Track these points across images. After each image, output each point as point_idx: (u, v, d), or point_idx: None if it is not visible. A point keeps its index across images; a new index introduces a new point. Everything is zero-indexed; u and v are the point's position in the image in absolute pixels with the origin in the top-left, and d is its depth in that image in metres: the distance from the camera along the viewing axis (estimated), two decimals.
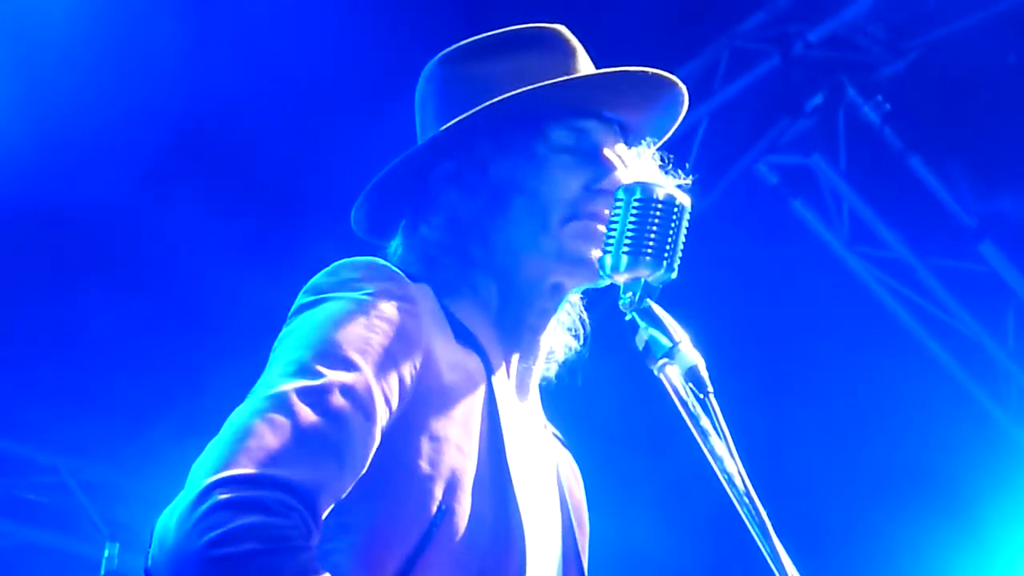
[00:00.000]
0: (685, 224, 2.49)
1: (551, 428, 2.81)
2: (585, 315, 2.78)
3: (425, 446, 2.37)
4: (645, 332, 2.45)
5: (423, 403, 2.39)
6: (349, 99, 6.87)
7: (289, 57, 6.51)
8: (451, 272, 2.63)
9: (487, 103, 2.59)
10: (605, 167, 2.63)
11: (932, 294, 8.28)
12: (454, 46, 2.77)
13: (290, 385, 2.23)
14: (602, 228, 2.52)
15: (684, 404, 2.38)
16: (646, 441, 7.76)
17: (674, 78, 2.73)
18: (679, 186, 2.61)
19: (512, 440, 2.49)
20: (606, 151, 2.66)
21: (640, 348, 2.46)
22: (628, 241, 2.45)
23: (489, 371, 2.52)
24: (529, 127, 2.65)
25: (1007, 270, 8.10)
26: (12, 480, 8.98)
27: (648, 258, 2.45)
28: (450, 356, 2.46)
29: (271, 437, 2.15)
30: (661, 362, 2.42)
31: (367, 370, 2.29)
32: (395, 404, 2.33)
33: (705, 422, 2.36)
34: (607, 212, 2.52)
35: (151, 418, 8.23)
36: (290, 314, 2.43)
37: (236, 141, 6.83)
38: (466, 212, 2.65)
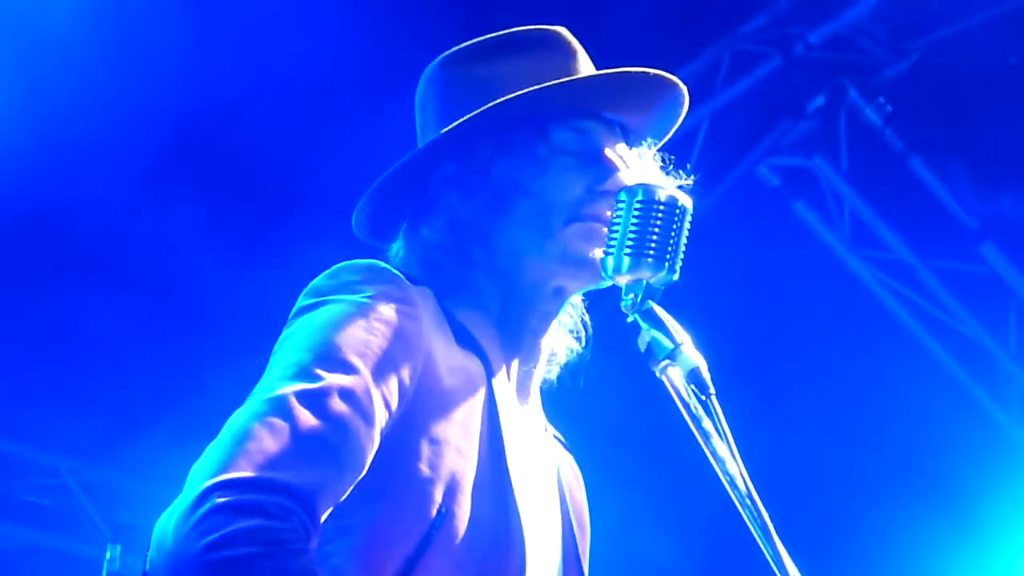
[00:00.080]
0: (687, 226, 2.49)
1: (552, 430, 2.81)
2: (587, 317, 2.78)
3: (425, 449, 2.37)
4: (647, 334, 2.45)
5: (423, 406, 2.38)
6: (349, 99, 6.87)
7: (289, 57, 6.51)
8: (452, 275, 2.63)
9: (488, 105, 2.59)
10: (607, 168, 2.63)
11: (933, 295, 8.28)
12: (454, 48, 2.77)
13: (289, 388, 2.22)
14: (605, 229, 2.52)
15: (686, 406, 2.38)
16: (647, 443, 7.76)
17: (675, 79, 2.72)
18: (680, 187, 2.61)
19: (512, 443, 2.49)
20: (608, 152, 2.66)
21: (642, 350, 2.45)
22: (630, 243, 2.45)
23: (490, 374, 2.52)
24: (531, 128, 2.65)
25: (1008, 271, 8.10)
26: (13, 482, 8.98)
27: (650, 260, 2.45)
28: (450, 359, 2.46)
29: (270, 440, 2.14)
30: (663, 364, 2.42)
31: (366, 373, 2.29)
32: (395, 407, 2.33)
33: (707, 424, 2.36)
34: (609, 213, 2.52)
35: (152, 419, 8.23)
36: (290, 316, 2.43)
37: (236, 141, 6.83)
38: (467, 214, 2.64)
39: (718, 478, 2.33)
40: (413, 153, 2.67)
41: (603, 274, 2.51)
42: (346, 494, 2.24)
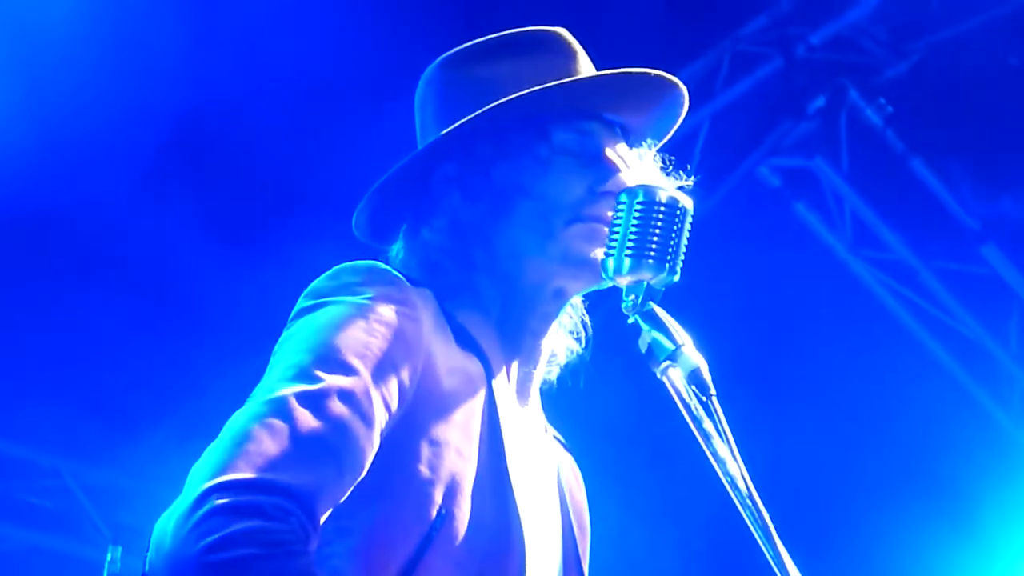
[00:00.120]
0: (688, 227, 2.49)
1: (552, 431, 2.81)
2: (587, 317, 2.78)
3: (425, 450, 2.37)
4: (648, 335, 2.45)
5: (423, 407, 2.38)
6: (348, 99, 6.87)
7: (287, 58, 6.51)
8: (453, 276, 2.63)
9: (490, 105, 2.59)
10: (608, 169, 2.63)
11: (935, 297, 8.27)
12: (454, 49, 2.77)
13: (289, 390, 2.22)
14: (606, 230, 2.52)
15: (687, 407, 2.37)
16: (648, 444, 7.76)
17: (675, 79, 2.72)
18: (681, 188, 2.60)
19: (512, 444, 2.49)
20: (609, 153, 2.66)
21: (643, 351, 2.45)
22: (631, 244, 2.45)
23: (490, 375, 2.52)
24: (532, 129, 2.65)
25: (1010, 272, 8.10)
26: (14, 483, 8.98)
27: (651, 261, 2.45)
28: (450, 360, 2.46)
29: (269, 442, 2.14)
30: (664, 365, 2.41)
31: (366, 375, 2.29)
32: (394, 408, 2.33)
33: (708, 425, 2.36)
34: (610, 214, 2.52)
35: (153, 421, 8.23)
36: (290, 318, 2.43)
37: (234, 141, 6.83)
38: (468, 215, 2.64)
39: (719, 479, 2.33)
40: (413, 154, 2.67)
41: (604, 275, 2.51)
42: (346, 495, 2.23)
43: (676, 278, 2.48)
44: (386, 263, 2.55)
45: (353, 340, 2.32)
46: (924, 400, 8.55)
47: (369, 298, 2.39)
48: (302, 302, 2.44)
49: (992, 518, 8.66)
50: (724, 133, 7.57)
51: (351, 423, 2.23)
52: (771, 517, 2.29)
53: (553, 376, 2.75)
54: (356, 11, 6.36)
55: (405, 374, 2.35)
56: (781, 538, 2.28)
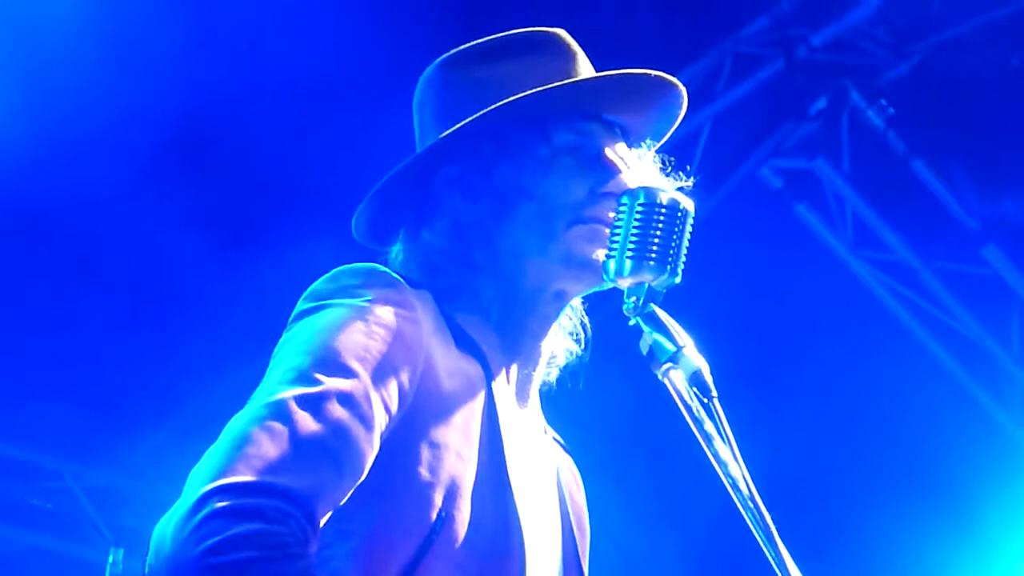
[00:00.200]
0: (689, 228, 2.49)
1: (552, 432, 2.81)
2: (586, 319, 2.78)
3: (425, 453, 2.37)
4: (649, 336, 2.44)
5: (423, 410, 2.38)
6: (345, 100, 6.86)
7: (284, 58, 6.50)
8: (453, 278, 2.63)
9: (490, 107, 2.59)
10: (609, 170, 2.63)
11: (936, 297, 8.27)
12: (453, 51, 2.77)
13: (289, 393, 2.22)
14: (607, 231, 2.52)
15: (688, 408, 2.37)
16: (648, 445, 7.75)
17: (674, 80, 2.73)
18: (681, 189, 2.60)
19: (512, 446, 2.49)
20: (609, 153, 2.66)
21: (644, 353, 2.45)
22: (632, 245, 2.45)
23: (489, 377, 2.52)
24: (532, 130, 2.65)
25: (1011, 273, 8.10)
26: (17, 485, 8.99)
27: (652, 262, 2.45)
28: (450, 362, 2.46)
29: (269, 445, 2.14)
30: (665, 366, 2.41)
31: (366, 377, 2.28)
32: (394, 411, 2.33)
33: (709, 426, 2.35)
34: (612, 215, 2.52)
35: (155, 423, 8.24)
36: (290, 320, 2.43)
37: (234, 141, 6.83)
38: (470, 217, 2.64)
39: (720, 480, 2.33)
40: (413, 156, 2.67)
41: (605, 277, 2.50)
42: (346, 498, 2.23)
43: (677, 280, 2.48)
44: (385, 265, 2.56)
45: (353, 343, 2.31)
46: (925, 401, 8.54)
47: (368, 300, 2.39)
48: (301, 304, 2.44)
49: (993, 518, 8.66)
50: (725, 134, 7.57)
51: (351, 426, 2.23)
52: (772, 518, 2.29)
53: (552, 378, 2.75)
54: (354, 11, 6.35)
55: (405, 376, 2.35)
56: (782, 539, 2.28)
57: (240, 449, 2.13)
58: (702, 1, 7.16)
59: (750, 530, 2.30)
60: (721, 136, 7.57)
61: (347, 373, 2.27)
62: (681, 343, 2.42)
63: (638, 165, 2.71)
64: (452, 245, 2.65)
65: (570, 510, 2.72)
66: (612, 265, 2.47)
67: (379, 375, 2.30)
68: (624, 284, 2.48)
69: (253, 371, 2.42)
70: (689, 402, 2.37)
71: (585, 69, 2.73)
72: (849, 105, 7.36)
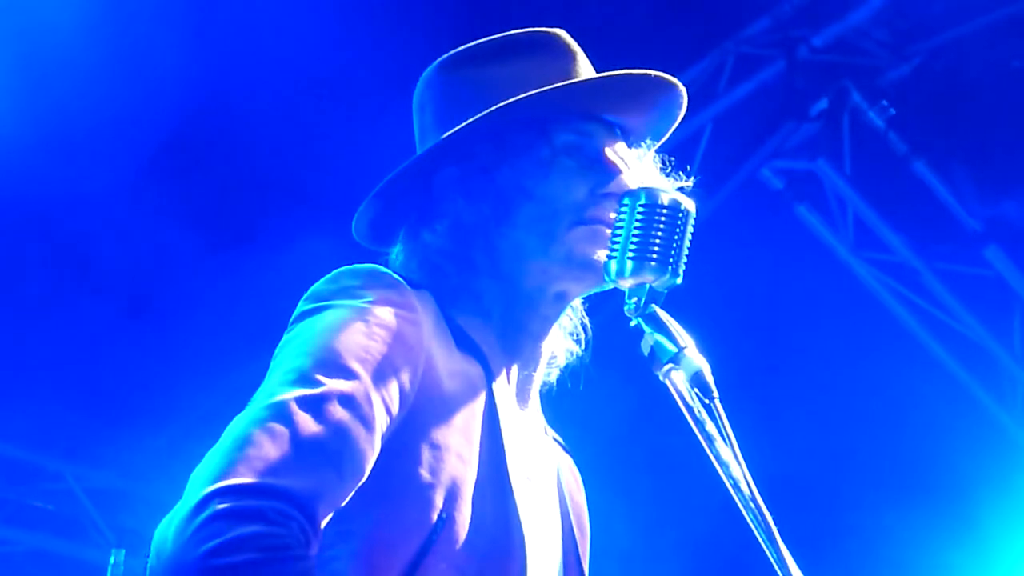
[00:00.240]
0: (690, 229, 2.49)
1: (552, 433, 2.81)
2: (587, 319, 2.78)
3: (425, 454, 2.37)
4: (650, 337, 2.45)
5: (424, 411, 2.38)
6: (344, 100, 6.86)
7: (285, 59, 6.50)
8: (453, 279, 2.63)
9: (491, 108, 2.59)
10: (609, 171, 2.64)
11: (937, 298, 8.27)
12: (453, 51, 2.77)
13: (290, 394, 2.22)
14: (608, 231, 2.52)
15: (689, 409, 2.37)
16: (648, 445, 7.76)
17: (674, 80, 2.73)
18: (681, 189, 2.61)
19: (512, 447, 2.49)
20: (610, 154, 2.66)
21: (645, 353, 2.45)
22: (633, 246, 2.45)
23: (490, 378, 2.52)
24: (533, 131, 2.65)
25: (1012, 274, 8.09)
26: (18, 487, 9.00)
27: (653, 263, 2.45)
28: (451, 364, 2.46)
29: (270, 446, 2.14)
30: (666, 367, 2.41)
31: (366, 379, 2.28)
32: (395, 412, 2.33)
33: (710, 427, 2.35)
34: (613, 216, 2.52)
35: (156, 425, 8.25)
36: (291, 321, 2.43)
37: (233, 141, 6.83)
38: (470, 218, 2.64)
39: (721, 481, 2.33)
40: (414, 158, 2.68)
41: (606, 278, 2.51)
42: (347, 499, 2.23)
43: (679, 280, 2.48)
44: (386, 266, 2.56)
45: (354, 344, 2.31)
46: (927, 401, 8.54)
47: (369, 302, 2.39)
48: (302, 305, 2.44)
49: (995, 519, 8.66)
50: (727, 135, 7.57)
51: (352, 427, 2.23)
52: (774, 519, 2.29)
53: (553, 379, 2.76)
54: (353, 12, 6.35)
55: (405, 377, 2.35)
56: (784, 539, 2.29)
57: (241, 451, 2.13)
58: (703, 2, 7.16)
59: (751, 530, 2.30)
60: (722, 137, 7.57)
61: (348, 374, 2.27)
62: (682, 344, 2.42)
63: (638, 165, 2.72)
64: (453, 246, 2.65)
65: (570, 510, 2.72)
66: (613, 266, 2.47)
67: (380, 376, 2.30)
68: (625, 285, 2.48)
69: (254, 372, 2.42)
70: (690, 403, 2.37)
71: (585, 69, 2.73)
72: (850, 106, 7.36)
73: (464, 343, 2.52)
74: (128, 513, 9.13)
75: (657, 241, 2.45)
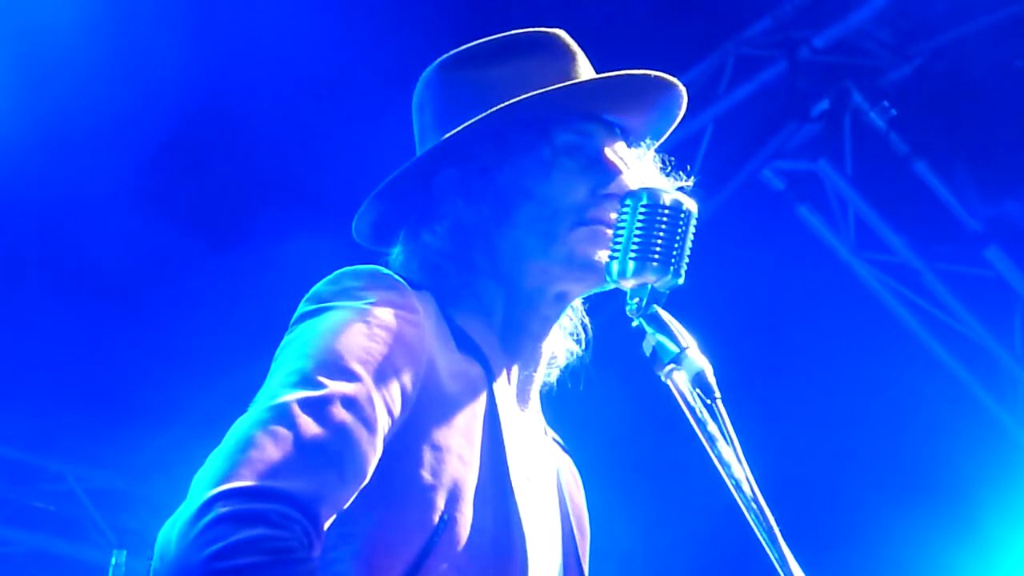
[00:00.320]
0: (692, 229, 2.49)
1: (551, 433, 2.81)
2: (587, 319, 2.78)
3: (427, 456, 2.37)
4: (652, 338, 2.45)
5: (425, 412, 2.38)
6: (343, 100, 6.86)
7: (283, 59, 6.50)
8: (454, 279, 2.63)
9: (491, 109, 2.59)
10: (610, 171, 2.64)
11: (938, 299, 8.26)
12: (453, 51, 2.77)
13: (292, 396, 2.22)
14: (610, 232, 2.52)
15: (691, 410, 2.37)
16: (648, 446, 7.76)
17: (674, 80, 2.73)
18: (681, 188, 2.61)
19: (513, 448, 2.49)
20: (611, 155, 2.66)
21: (647, 354, 2.45)
22: (635, 247, 2.45)
23: (490, 379, 2.52)
24: (533, 132, 2.65)
25: (1013, 275, 8.09)
26: (20, 488, 9.01)
27: (655, 263, 2.45)
28: (452, 365, 2.46)
29: (272, 449, 2.14)
30: (668, 368, 2.41)
31: (369, 380, 2.28)
32: (397, 414, 2.33)
33: (712, 428, 2.35)
34: (614, 216, 2.52)
35: (158, 426, 8.25)
36: (292, 322, 2.43)
37: (234, 143, 6.83)
38: (471, 219, 2.64)
39: (723, 481, 2.33)
40: (415, 159, 2.67)
41: (608, 278, 2.51)
42: (349, 502, 2.23)
43: (680, 281, 2.48)
44: (386, 266, 2.56)
45: (355, 345, 2.31)
46: (928, 402, 8.54)
47: (371, 303, 2.39)
48: (303, 307, 2.44)
49: (996, 519, 8.66)
50: (728, 136, 7.57)
51: (354, 429, 2.23)
52: (775, 519, 2.29)
53: (553, 379, 2.75)
54: (352, 12, 6.35)
55: (407, 379, 2.35)
56: (785, 539, 2.28)
57: (244, 453, 2.13)
58: (704, 3, 7.16)
59: (753, 530, 2.30)
60: (723, 138, 7.57)
61: (350, 376, 2.27)
62: (684, 344, 2.42)
63: (639, 165, 2.72)
64: (453, 247, 2.65)
65: (570, 511, 2.72)
66: (615, 266, 2.47)
67: (382, 378, 2.30)
68: (627, 285, 2.48)
69: (254, 372, 2.42)
70: (692, 403, 2.37)
71: (585, 70, 2.73)
72: (851, 106, 7.35)
73: (465, 344, 2.52)
74: (129, 514, 9.14)
75: (659, 241, 2.45)
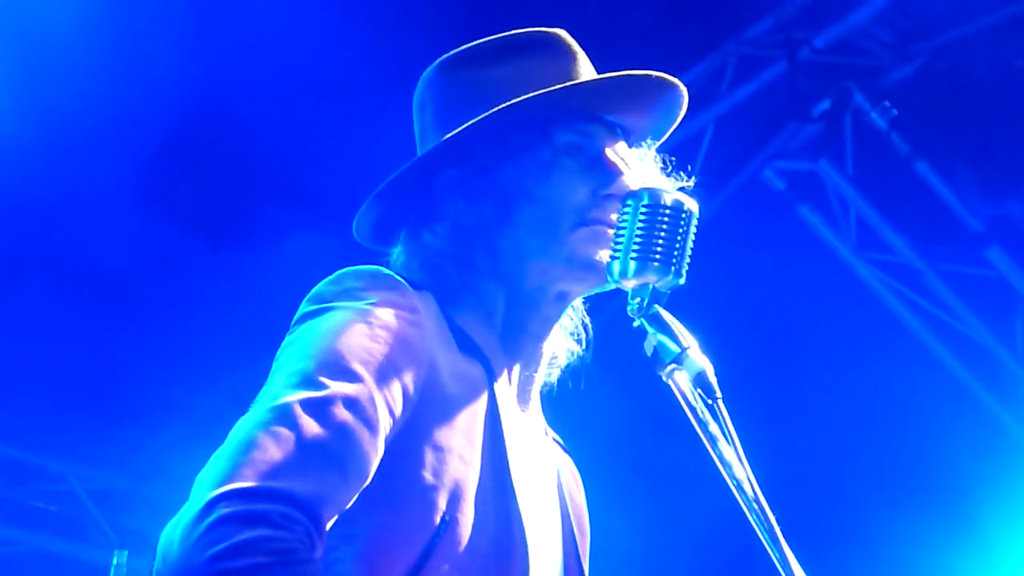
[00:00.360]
0: (693, 229, 2.49)
1: (552, 433, 2.81)
2: (587, 319, 2.77)
3: (428, 456, 2.37)
4: (653, 338, 2.45)
5: (426, 413, 2.38)
6: (342, 100, 6.86)
7: (282, 59, 6.49)
8: (455, 280, 2.63)
9: (492, 110, 2.58)
10: (611, 172, 2.63)
11: (940, 299, 8.26)
12: (453, 51, 2.76)
13: (293, 397, 2.22)
14: (611, 232, 2.52)
15: (693, 410, 2.37)
16: (648, 446, 7.76)
17: (675, 80, 2.72)
18: (682, 189, 2.60)
19: (514, 449, 2.49)
20: (611, 155, 2.66)
21: (648, 354, 2.45)
22: (636, 247, 2.45)
23: (491, 379, 2.52)
24: (534, 132, 2.65)
25: (1015, 275, 8.08)
26: (22, 488, 9.01)
27: (656, 264, 2.45)
28: (453, 365, 2.46)
29: (275, 449, 2.14)
30: (669, 368, 2.41)
31: (370, 381, 2.28)
32: (399, 414, 2.33)
33: (714, 428, 2.35)
34: (615, 217, 2.52)
35: (159, 426, 8.24)
36: (293, 323, 2.43)
37: (232, 143, 6.83)
38: (472, 219, 2.64)
39: (724, 481, 2.32)
40: (416, 159, 2.67)
41: (609, 278, 2.51)
42: (351, 502, 2.23)
43: (681, 281, 2.48)
44: (387, 266, 2.55)
45: (357, 346, 2.31)
46: (929, 402, 8.53)
47: (372, 303, 2.39)
48: (305, 307, 2.43)
49: (997, 519, 8.65)
50: (729, 136, 7.57)
51: (356, 430, 2.23)
52: (777, 519, 2.29)
53: (553, 379, 2.75)
54: (354, 11, 6.34)
55: (409, 380, 2.35)
56: (787, 540, 2.28)
57: (246, 454, 2.13)
58: (705, 3, 7.16)
59: (754, 531, 2.29)
60: (724, 138, 7.57)
61: (352, 377, 2.27)
62: (685, 344, 2.42)
63: (639, 166, 2.71)
64: (453, 247, 2.64)
65: (570, 511, 2.72)
66: (616, 266, 2.47)
67: (383, 379, 2.30)
68: (628, 285, 2.48)
69: (255, 372, 2.42)
70: (693, 403, 2.37)
71: (586, 69, 2.73)
72: (852, 106, 7.35)
73: (466, 344, 2.52)
74: (131, 514, 9.14)
75: (660, 241, 2.45)
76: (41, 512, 9.13)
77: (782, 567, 2.27)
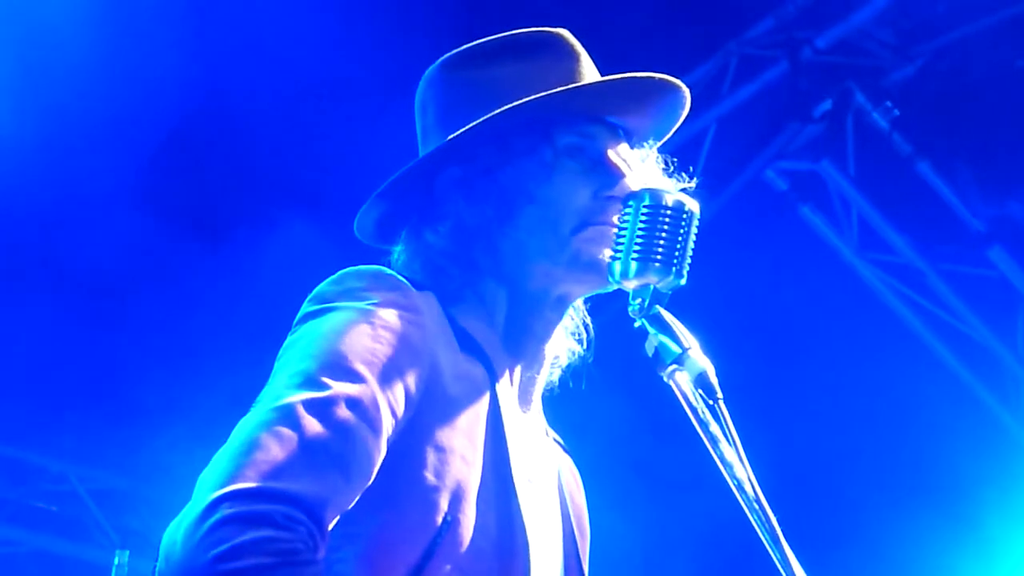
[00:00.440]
0: (694, 230, 2.49)
1: (552, 434, 2.81)
2: (588, 319, 2.77)
3: (430, 457, 2.37)
4: (655, 338, 2.44)
5: (428, 413, 2.38)
6: (341, 100, 6.86)
7: (286, 59, 6.49)
8: (456, 280, 2.62)
9: (494, 112, 2.58)
10: (613, 173, 2.63)
11: (941, 299, 8.26)
12: (455, 51, 2.76)
13: (296, 397, 2.22)
14: (613, 232, 2.51)
15: (694, 410, 2.37)
16: (649, 446, 7.75)
17: (677, 81, 2.72)
18: (684, 190, 2.60)
19: (515, 450, 2.49)
20: (613, 157, 2.65)
21: (649, 354, 2.45)
22: (637, 247, 2.45)
23: (493, 380, 2.52)
24: (536, 133, 2.64)
25: (1016, 275, 8.08)
26: (23, 488, 9.01)
27: (657, 264, 2.45)
28: (455, 366, 2.46)
29: (277, 450, 2.14)
30: (671, 368, 2.41)
31: (373, 382, 2.28)
32: (401, 415, 2.32)
33: (715, 428, 2.35)
34: (616, 218, 2.51)
35: (159, 426, 8.24)
36: (295, 323, 2.42)
37: (231, 143, 6.83)
38: (473, 220, 2.64)
39: (724, 482, 2.32)
40: (418, 159, 2.67)
41: (610, 279, 2.50)
42: (353, 503, 2.23)
43: (683, 281, 2.48)
44: (388, 266, 2.55)
45: (359, 346, 2.31)
46: (930, 402, 8.53)
47: (374, 304, 2.38)
48: (307, 307, 2.43)
49: (998, 519, 8.65)
50: (730, 136, 7.57)
51: (358, 430, 2.23)
52: (778, 519, 2.28)
53: (555, 379, 2.75)
54: (354, 11, 6.34)
55: (411, 380, 2.35)
56: (788, 540, 2.28)
57: (249, 454, 2.13)
58: (707, 3, 7.16)
59: (755, 531, 2.29)
60: (726, 138, 7.57)
61: (354, 377, 2.27)
62: (687, 345, 2.42)
63: (641, 167, 2.71)
64: (455, 247, 2.64)
65: (571, 511, 2.72)
66: (617, 267, 2.47)
67: (386, 379, 2.30)
68: (629, 286, 2.48)
69: (256, 373, 2.41)
70: (695, 404, 2.37)
71: (588, 70, 2.73)
72: (854, 107, 7.35)
73: (467, 345, 2.51)
74: (132, 514, 9.14)
75: (661, 242, 2.44)
76: (42, 512, 9.13)
77: (783, 567, 2.27)
